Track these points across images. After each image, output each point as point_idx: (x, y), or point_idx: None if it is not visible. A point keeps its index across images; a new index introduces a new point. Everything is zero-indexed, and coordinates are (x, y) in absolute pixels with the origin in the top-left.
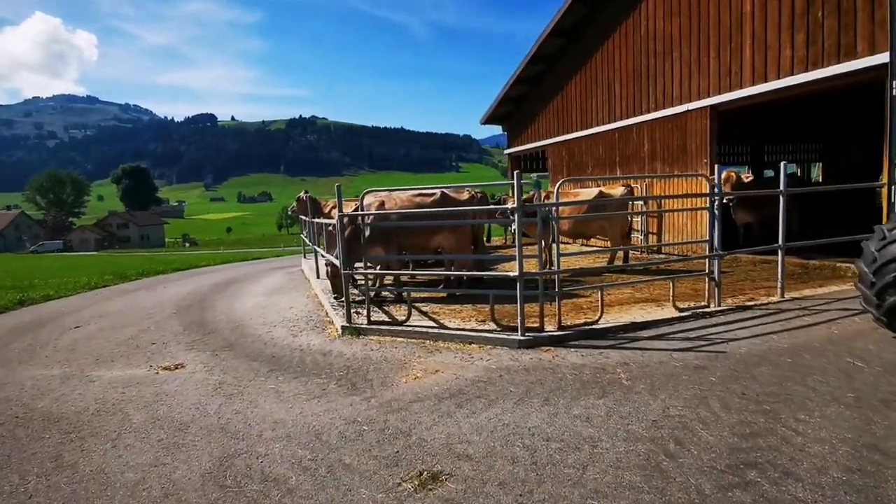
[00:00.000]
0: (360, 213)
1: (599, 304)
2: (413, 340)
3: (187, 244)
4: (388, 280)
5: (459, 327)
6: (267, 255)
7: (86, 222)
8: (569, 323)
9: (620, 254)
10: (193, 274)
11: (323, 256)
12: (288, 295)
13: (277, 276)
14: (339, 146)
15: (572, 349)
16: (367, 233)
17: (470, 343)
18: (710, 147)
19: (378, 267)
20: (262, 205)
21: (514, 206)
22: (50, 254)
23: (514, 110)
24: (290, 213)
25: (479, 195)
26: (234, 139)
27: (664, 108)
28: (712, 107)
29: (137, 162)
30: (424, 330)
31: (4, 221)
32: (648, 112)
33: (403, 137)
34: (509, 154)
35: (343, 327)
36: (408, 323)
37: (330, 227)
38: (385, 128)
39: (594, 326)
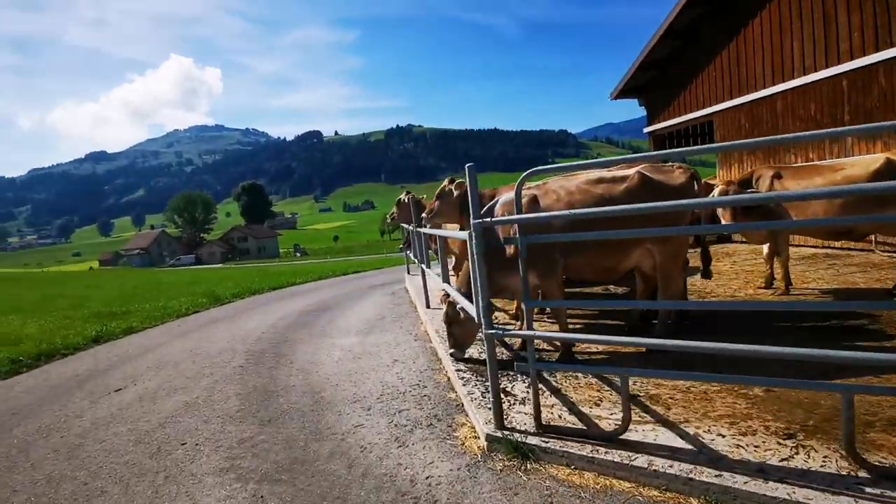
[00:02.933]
0: (517, 217)
1: None
2: (649, 493)
3: (298, 254)
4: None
5: (744, 457)
6: (367, 266)
7: (213, 237)
8: None
9: None
10: (287, 295)
11: (441, 285)
12: (390, 332)
13: (377, 299)
14: (435, 152)
15: None
16: (516, 249)
17: None
18: None
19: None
20: (365, 212)
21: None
22: (183, 267)
23: (658, 76)
24: (388, 219)
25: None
26: (338, 152)
27: None
28: None
29: (255, 179)
30: (671, 471)
31: (149, 239)
32: None
33: (497, 138)
34: (650, 132)
35: (491, 438)
36: (624, 435)
37: (454, 246)
38: (479, 130)
39: None
